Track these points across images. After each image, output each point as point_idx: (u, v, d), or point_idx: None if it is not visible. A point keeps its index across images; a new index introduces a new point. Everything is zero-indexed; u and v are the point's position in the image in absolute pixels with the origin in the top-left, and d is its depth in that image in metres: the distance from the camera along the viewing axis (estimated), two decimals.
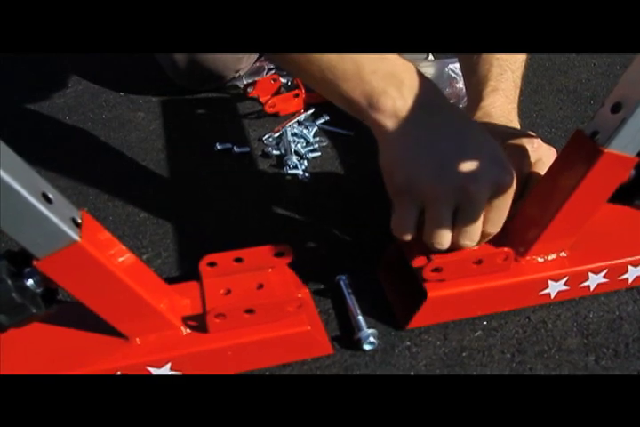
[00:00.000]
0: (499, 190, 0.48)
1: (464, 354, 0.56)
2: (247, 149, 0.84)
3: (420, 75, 0.48)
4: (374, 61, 0.47)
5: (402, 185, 0.47)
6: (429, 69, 0.94)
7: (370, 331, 0.56)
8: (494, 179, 0.47)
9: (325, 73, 0.47)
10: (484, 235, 0.51)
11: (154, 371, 0.50)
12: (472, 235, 0.50)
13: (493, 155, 0.47)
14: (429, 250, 0.55)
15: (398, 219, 0.50)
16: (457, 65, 0.93)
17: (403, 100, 0.46)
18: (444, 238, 0.50)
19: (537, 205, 0.55)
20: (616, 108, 0.47)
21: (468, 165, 0.46)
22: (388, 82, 0.46)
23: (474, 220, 0.49)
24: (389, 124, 0.47)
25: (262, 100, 0.92)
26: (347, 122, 0.88)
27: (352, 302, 0.59)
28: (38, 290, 0.46)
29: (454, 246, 0.52)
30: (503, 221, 0.51)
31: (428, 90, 0.48)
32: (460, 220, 0.49)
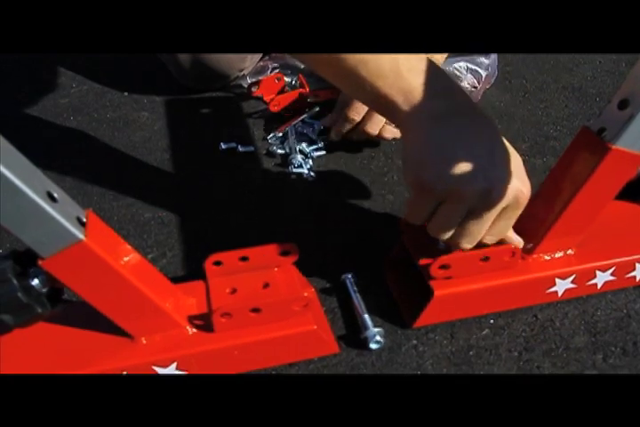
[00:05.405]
0: (515, 203, 0.48)
1: (471, 353, 0.56)
2: (252, 149, 0.84)
3: (450, 76, 0.49)
4: (409, 59, 0.47)
5: (430, 182, 0.46)
6: None
7: (376, 330, 0.55)
8: (515, 191, 0.47)
9: (358, 69, 0.47)
10: (481, 241, 0.51)
11: (160, 371, 0.50)
12: (474, 238, 0.50)
13: (518, 167, 0.48)
14: (435, 249, 0.55)
15: (415, 208, 0.50)
16: (461, 64, 0.93)
17: (439, 99, 0.47)
18: (447, 234, 0.50)
19: (544, 203, 0.55)
20: (623, 104, 0.47)
21: (497, 173, 0.46)
22: (426, 80, 0.47)
23: (482, 225, 0.49)
24: (425, 121, 0.47)
25: (266, 99, 0.91)
26: None
27: (358, 300, 0.59)
28: (44, 289, 0.46)
29: (451, 244, 0.52)
30: (505, 233, 0.52)
31: (461, 91, 0.49)
32: (468, 221, 0.49)
